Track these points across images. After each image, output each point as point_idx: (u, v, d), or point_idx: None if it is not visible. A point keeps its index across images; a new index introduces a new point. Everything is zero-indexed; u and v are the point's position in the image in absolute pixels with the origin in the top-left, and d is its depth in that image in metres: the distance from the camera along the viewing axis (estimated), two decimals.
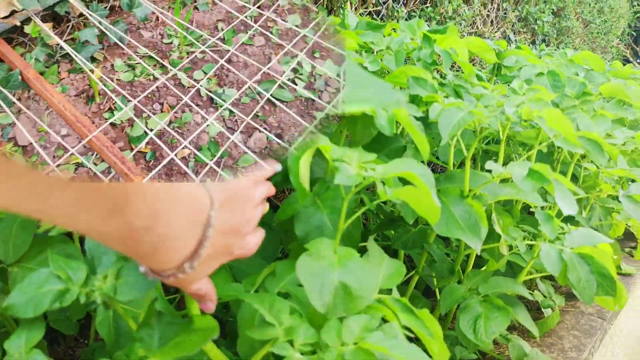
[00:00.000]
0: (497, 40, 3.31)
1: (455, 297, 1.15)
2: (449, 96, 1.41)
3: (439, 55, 1.33)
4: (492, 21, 3.52)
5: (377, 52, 1.30)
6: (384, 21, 2.49)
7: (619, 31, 4.89)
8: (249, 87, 0.94)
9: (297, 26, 1.15)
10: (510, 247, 1.23)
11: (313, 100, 1.00)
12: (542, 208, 1.38)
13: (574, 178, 1.64)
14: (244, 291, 0.86)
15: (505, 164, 1.30)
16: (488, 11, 3.40)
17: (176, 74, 0.92)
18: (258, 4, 1.19)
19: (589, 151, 1.28)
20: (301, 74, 1.09)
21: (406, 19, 2.64)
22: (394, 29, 1.58)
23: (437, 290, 1.37)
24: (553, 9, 3.93)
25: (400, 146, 1.16)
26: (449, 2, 2.84)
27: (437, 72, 1.64)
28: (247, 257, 0.59)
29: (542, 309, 1.63)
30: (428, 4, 2.74)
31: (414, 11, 2.70)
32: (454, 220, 1.07)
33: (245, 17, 1.14)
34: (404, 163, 0.82)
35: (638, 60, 5.94)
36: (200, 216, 0.51)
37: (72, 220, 0.42)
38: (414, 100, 1.13)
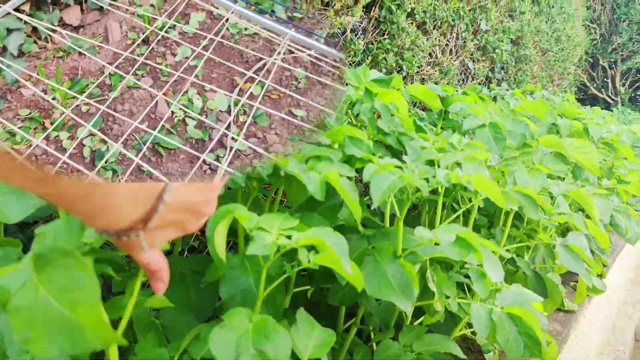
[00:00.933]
0: (454, 69, 3.37)
1: (389, 355, 1.16)
2: (392, 145, 1.43)
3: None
4: (450, 50, 3.58)
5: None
6: (341, 52, 2.51)
7: (576, 58, 5.04)
8: (135, 138, 0.93)
9: (187, 57, 1.15)
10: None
11: (204, 140, 1.00)
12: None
13: (519, 218, 1.67)
14: (168, 357, 0.85)
15: (445, 217, 1.33)
16: (447, 40, 3.46)
17: (58, 136, 0.91)
18: (145, 38, 1.18)
19: (524, 205, 1.31)
20: (191, 113, 1.08)
21: (363, 51, 2.67)
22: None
23: (374, 345, 1.38)
24: (512, 38, 4.03)
25: (336, 203, 1.17)
26: (407, 35, 2.88)
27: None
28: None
29: (484, 353, 1.65)
30: (386, 36, 2.78)
31: (371, 43, 2.73)
32: (387, 280, 1.08)
33: (136, 56, 1.13)
34: (319, 231, 0.83)
35: (594, 84, 6.13)
36: (152, 189, 0.54)
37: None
38: (350, 158, 1.14)
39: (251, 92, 1.16)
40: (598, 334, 2.49)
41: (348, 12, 2.54)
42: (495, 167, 1.46)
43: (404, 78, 2.94)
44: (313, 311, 1.21)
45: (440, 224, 1.32)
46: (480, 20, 3.65)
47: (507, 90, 4.11)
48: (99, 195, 0.50)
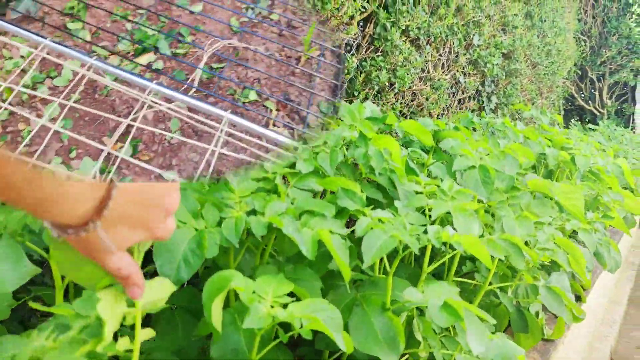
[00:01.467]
0: (446, 81, 3.38)
1: None
2: (384, 185, 1.44)
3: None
4: (442, 64, 3.58)
5: (312, 151, 1.32)
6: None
7: (565, 71, 5.09)
8: None
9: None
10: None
11: None
12: None
13: None
14: None
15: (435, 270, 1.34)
16: (440, 55, 3.47)
17: None
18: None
19: (510, 255, 1.34)
20: None
21: (357, 68, 2.67)
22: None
23: None
24: (504, 52, 4.05)
25: (326, 252, 1.18)
26: (400, 52, 2.89)
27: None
28: (165, 240, 0.58)
29: None
30: (379, 53, 2.78)
31: (365, 60, 2.73)
32: (374, 333, 1.10)
33: None
34: (313, 304, 0.85)
35: (582, 95, 6.20)
36: (99, 185, 0.51)
37: None
38: (342, 211, 1.16)
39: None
40: (576, 356, 2.55)
41: (344, 29, 2.54)
42: (485, 203, 1.48)
43: (395, 94, 2.95)
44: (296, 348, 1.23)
45: (427, 266, 1.34)
46: (474, 35, 3.66)
47: (496, 105, 4.15)
48: (48, 184, 0.45)
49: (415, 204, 1.30)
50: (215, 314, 0.82)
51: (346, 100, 2.60)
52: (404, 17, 2.86)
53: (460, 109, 3.86)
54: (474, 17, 3.60)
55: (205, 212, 0.98)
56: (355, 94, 2.66)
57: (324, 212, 1.06)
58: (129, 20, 1.51)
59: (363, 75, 2.72)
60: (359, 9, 2.61)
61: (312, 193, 1.22)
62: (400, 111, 2.98)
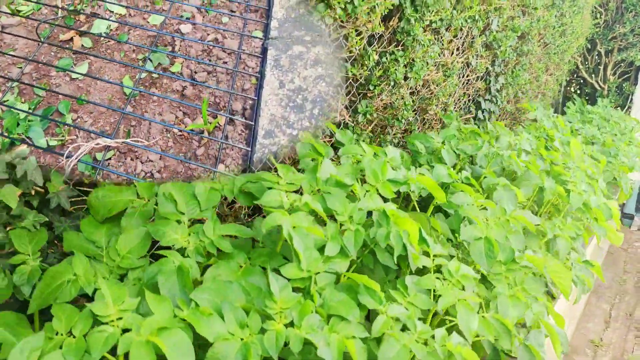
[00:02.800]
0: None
1: None
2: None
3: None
4: (457, 48, 3.58)
5: (340, 223, 1.44)
6: (354, 65, 2.55)
7: (575, 48, 5.08)
8: None
9: None
10: None
11: None
12: None
13: None
14: None
15: None
16: (456, 41, 3.45)
17: None
18: None
19: (500, 335, 1.52)
20: None
21: (376, 64, 2.70)
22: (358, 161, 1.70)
23: None
24: (518, 35, 4.03)
25: None
26: (420, 47, 2.90)
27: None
28: None
29: None
30: (400, 47, 2.80)
31: (384, 54, 2.74)
32: None
33: None
34: None
35: (587, 67, 6.21)
36: None
37: None
38: (362, 305, 1.31)
39: None
40: None
41: (369, 25, 2.55)
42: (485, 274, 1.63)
43: (409, 88, 3.00)
44: None
45: None
46: (492, 19, 3.63)
47: (502, 86, 4.17)
48: None
49: (424, 285, 1.46)
50: None
51: (361, 94, 2.66)
52: (429, 11, 2.83)
53: (466, 90, 3.89)
54: (497, 4, 3.55)
55: (250, 320, 1.12)
56: (371, 88, 2.71)
57: (348, 317, 1.21)
58: None
59: (381, 71, 2.74)
60: (388, 7, 2.60)
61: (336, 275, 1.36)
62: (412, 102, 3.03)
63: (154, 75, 1.45)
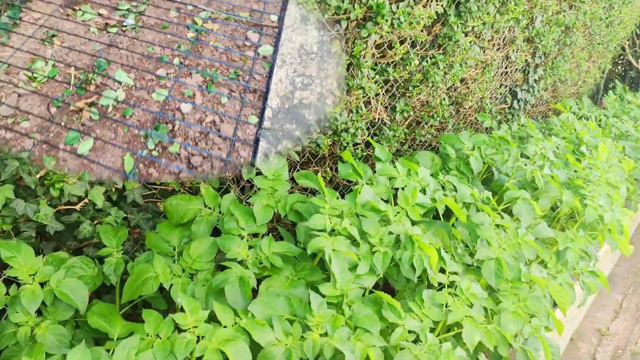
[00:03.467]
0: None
1: None
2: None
3: None
4: (497, 45, 3.62)
5: (371, 244, 1.71)
6: (396, 69, 2.73)
7: (621, 38, 5.05)
8: None
9: None
10: None
11: None
12: None
13: None
14: None
15: None
16: (497, 37, 3.51)
17: None
18: None
19: (499, 343, 1.80)
20: None
21: (417, 66, 2.88)
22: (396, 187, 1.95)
23: None
24: (562, 29, 4.05)
25: None
26: (461, 50, 3.04)
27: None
28: None
29: None
30: (441, 51, 2.95)
31: (425, 58, 2.90)
32: None
33: None
34: None
35: (635, 51, 6.14)
36: None
37: None
38: (384, 319, 1.60)
39: None
40: None
41: (412, 32, 2.71)
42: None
43: (447, 89, 3.16)
44: None
45: None
46: (537, 16, 3.68)
47: (540, 77, 4.23)
48: None
49: (438, 300, 1.74)
50: None
51: (399, 93, 2.85)
52: (472, 18, 2.93)
53: (504, 82, 3.97)
54: (543, 3, 3.59)
55: (293, 329, 1.43)
56: (410, 89, 2.89)
57: (371, 330, 1.50)
58: None
59: (421, 75, 2.90)
60: (432, 17, 2.74)
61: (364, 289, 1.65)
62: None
63: (154, 153, 1.60)
